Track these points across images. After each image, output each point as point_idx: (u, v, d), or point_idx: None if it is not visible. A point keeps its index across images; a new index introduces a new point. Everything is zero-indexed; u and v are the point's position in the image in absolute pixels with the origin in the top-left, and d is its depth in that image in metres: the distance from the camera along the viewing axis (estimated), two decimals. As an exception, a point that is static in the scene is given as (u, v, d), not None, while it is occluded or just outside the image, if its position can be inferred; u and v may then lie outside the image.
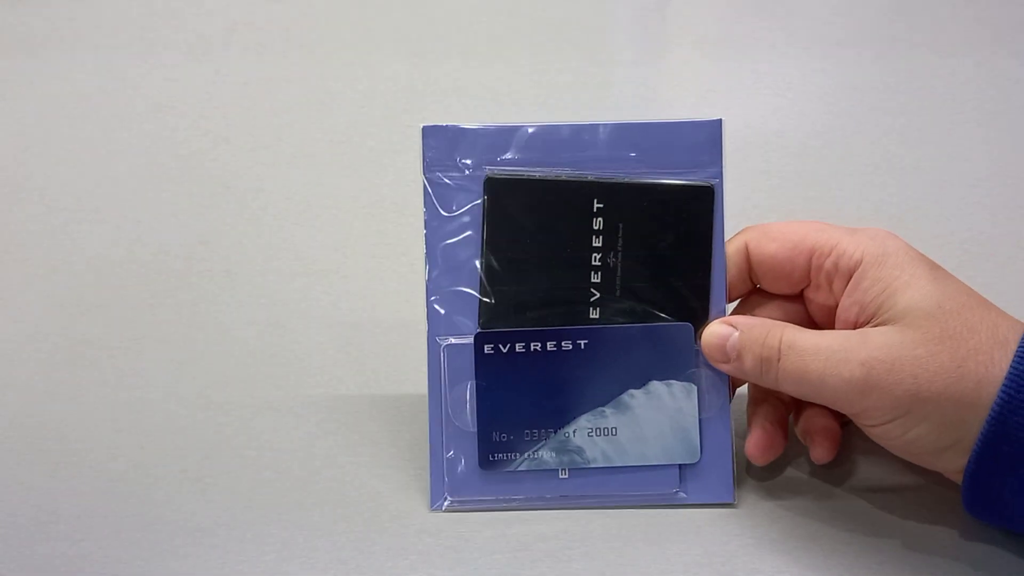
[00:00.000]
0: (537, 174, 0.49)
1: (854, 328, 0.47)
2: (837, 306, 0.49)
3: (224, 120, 0.69)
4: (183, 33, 0.74)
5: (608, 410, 0.49)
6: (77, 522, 0.50)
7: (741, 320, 0.49)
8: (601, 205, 0.49)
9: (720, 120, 0.49)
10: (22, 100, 0.71)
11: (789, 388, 0.47)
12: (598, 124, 0.49)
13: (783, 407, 0.51)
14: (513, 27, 0.75)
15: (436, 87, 0.71)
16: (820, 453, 0.50)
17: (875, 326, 0.47)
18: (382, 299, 0.60)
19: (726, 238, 0.49)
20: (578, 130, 0.49)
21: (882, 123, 0.69)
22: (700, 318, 0.49)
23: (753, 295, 0.52)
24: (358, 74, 0.72)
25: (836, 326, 0.49)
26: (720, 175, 0.49)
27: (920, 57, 0.73)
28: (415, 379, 0.56)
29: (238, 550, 0.49)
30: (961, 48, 0.74)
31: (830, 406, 0.48)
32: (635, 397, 0.49)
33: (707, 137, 0.49)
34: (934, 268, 0.47)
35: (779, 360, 0.47)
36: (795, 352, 0.46)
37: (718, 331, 0.49)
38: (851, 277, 0.48)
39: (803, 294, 0.50)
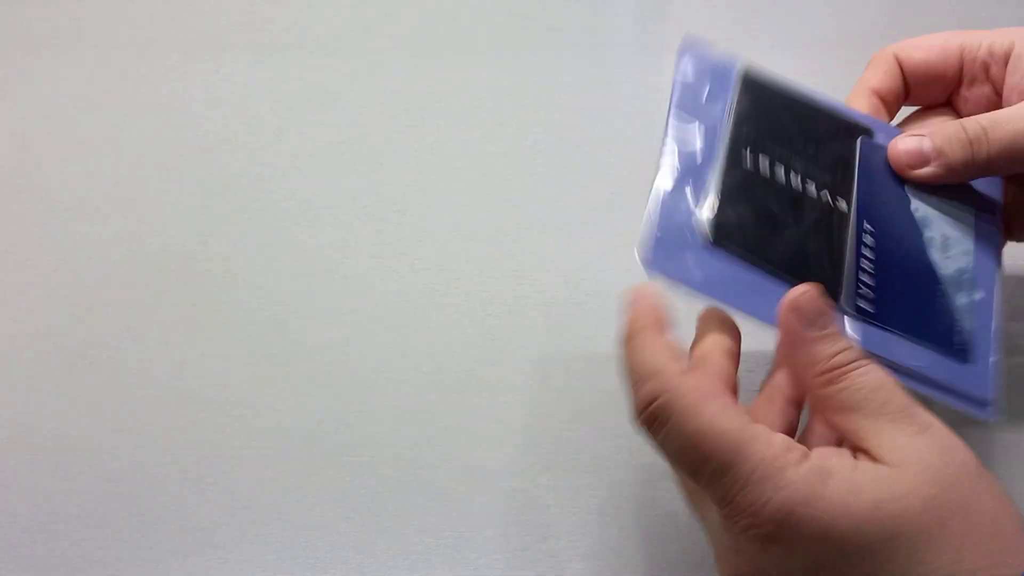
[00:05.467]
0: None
1: None
2: (1000, 95, 0.49)
3: (224, 120, 0.69)
4: (183, 33, 0.74)
5: None
6: (77, 522, 0.50)
7: (923, 129, 0.48)
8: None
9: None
10: (22, 100, 0.71)
11: (1005, 155, 0.46)
12: None
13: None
14: (513, 27, 0.75)
15: (436, 87, 0.71)
16: None
17: None
18: (382, 299, 0.60)
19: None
20: None
21: (882, 123, 0.69)
22: None
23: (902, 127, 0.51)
24: (358, 74, 0.72)
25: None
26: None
27: (920, 57, 0.73)
28: (415, 379, 0.56)
29: (238, 550, 0.49)
30: (961, 48, 0.74)
31: None
32: None
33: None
34: None
35: (987, 133, 0.46)
36: (998, 123, 0.46)
37: (907, 141, 0.48)
38: (1008, 57, 0.49)
39: (952, 102, 0.51)
